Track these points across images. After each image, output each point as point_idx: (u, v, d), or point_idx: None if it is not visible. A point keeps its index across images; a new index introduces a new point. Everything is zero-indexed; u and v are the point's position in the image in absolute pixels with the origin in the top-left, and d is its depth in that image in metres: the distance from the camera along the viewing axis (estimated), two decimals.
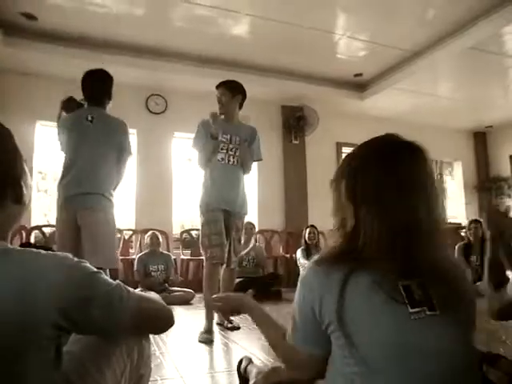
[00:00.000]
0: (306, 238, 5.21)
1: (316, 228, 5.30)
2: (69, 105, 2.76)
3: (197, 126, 2.97)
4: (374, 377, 0.75)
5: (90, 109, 2.66)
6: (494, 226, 1.31)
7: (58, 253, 0.79)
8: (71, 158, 2.53)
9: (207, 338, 2.58)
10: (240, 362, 1.61)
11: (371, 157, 0.89)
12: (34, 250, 0.76)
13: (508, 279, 1.36)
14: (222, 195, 2.83)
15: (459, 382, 0.77)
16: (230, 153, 2.90)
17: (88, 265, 0.80)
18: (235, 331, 2.85)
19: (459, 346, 0.78)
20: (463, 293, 0.83)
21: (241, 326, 2.93)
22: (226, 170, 2.88)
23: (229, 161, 2.89)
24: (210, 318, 2.74)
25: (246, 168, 2.98)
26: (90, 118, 2.64)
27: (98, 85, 2.87)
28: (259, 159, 3.12)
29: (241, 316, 2.86)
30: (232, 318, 2.99)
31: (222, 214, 2.84)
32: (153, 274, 4.50)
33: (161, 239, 4.92)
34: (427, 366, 0.74)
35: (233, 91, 2.96)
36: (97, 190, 2.44)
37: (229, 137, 2.92)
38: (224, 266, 2.94)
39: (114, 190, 2.60)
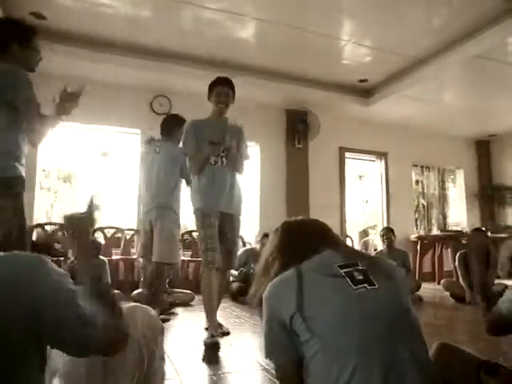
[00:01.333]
0: None
1: None
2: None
3: (185, 127, 2.92)
4: (331, 347, 0.92)
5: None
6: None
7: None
8: None
9: (212, 343, 2.46)
10: None
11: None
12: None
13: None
14: (216, 198, 2.76)
15: (399, 330, 0.95)
16: (222, 154, 2.81)
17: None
18: (227, 335, 2.82)
19: (397, 305, 1.00)
20: (392, 272, 1.09)
21: (231, 331, 2.89)
22: (218, 172, 2.79)
23: (222, 163, 2.81)
24: (215, 325, 2.65)
25: (238, 169, 2.89)
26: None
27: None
28: (247, 159, 3.00)
29: (241, 320, 2.86)
30: (221, 323, 2.95)
31: (218, 217, 2.77)
32: None
33: None
34: (375, 329, 0.93)
35: (234, 93, 2.94)
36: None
37: (220, 137, 2.83)
38: (220, 269, 2.85)
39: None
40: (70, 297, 0.80)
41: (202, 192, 2.77)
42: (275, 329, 1.02)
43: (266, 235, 5.09)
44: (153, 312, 1.25)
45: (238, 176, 2.89)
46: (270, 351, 1.06)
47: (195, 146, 2.79)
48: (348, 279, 0.99)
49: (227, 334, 2.82)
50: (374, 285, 0.99)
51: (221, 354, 2.34)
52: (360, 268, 1.03)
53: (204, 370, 2.01)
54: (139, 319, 1.09)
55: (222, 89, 2.86)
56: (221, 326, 2.89)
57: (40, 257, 0.80)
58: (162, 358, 1.15)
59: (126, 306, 1.13)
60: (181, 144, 2.95)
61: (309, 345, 0.94)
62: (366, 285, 0.99)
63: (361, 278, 1.00)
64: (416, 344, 0.95)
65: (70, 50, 4.63)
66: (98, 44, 4.73)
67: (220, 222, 2.79)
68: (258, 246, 5.15)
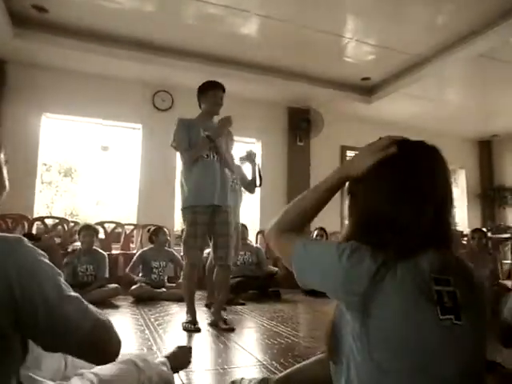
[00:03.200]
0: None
1: (325, 230, 5.25)
2: None
3: (176, 123, 3.02)
4: (383, 375, 0.77)
5: None
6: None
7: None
8: None
9: (192, 327, 2.79)
10: (234, 382, 1.61)
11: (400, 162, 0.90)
12: None
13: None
14: (211, 191, 2.87)
15: None
16: (214, 149, 2.96)
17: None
18: (232, 331, 2.83)
19: (473, 357, 0.79)
20: (482, 302, 0.83)
21: (235, 327, 2.91)
22: (211, 166, 2.92)
23: (213, 156, 2.94)
24: (193, 312, 2.93)
25: (230, 166, 3.05)
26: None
27: None
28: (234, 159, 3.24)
29: (240, 316, 2.85)
30: (226, 318, 3.00)
31: (209, 213, 2.88)
32: (154, 270, 4.46)
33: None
34: (442, 372, 0.75)
35: (224, 93, 3.08)
36: None
37: (211, 133, 2.98)
38: (218, 264, 2.98)
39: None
40: (49, 273, 0.74)
41: (193, 186, 2.87)
42: (327, 261, 0.85)
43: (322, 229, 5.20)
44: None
45: (228, 172, 3.04)
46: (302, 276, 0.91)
47: (188, 140, 2.91)
48: (437, 300, 0.77)
49: (232, 330, 2.83)
50: (461, 320, 0.77)
51: (218, 349, 2.34)
52: (451, 289, 0.79)
53: (201, 365, 2.01)
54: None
55: (218, 92, 3.01)
56: (225, 321, 2.94)
57: (17, 236, 0.74)
58: None
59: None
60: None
61: (356, 342, 0.81)
62: (452, 317, 0.77)
63: (450, 304, 0.78)
64: None
65: (72, 43, 4.61)
66: (100, 38, 4.71)
67: (211, 215, 2.89)
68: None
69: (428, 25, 4.41)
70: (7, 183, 0.85)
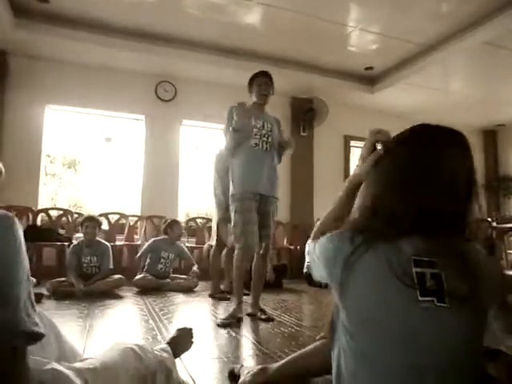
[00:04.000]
0: None
1: None
2: None
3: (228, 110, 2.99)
4: (371, 358, 0.77)
5: None
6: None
7: None
8: None
9: (231, 321, 2.68)
10: (232, 369, 1.61)
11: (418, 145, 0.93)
12: None
13: None
14: (257, 180, 2.86)
15: (454, 378, 0.76)
16: (264, 139, 2.94)
17: None
18: (271, 321, 2.84)
19: (461, 343, 0.76)
20: (481, 289, 0.78)
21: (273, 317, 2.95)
22: (260, 155, 2.91)
23: (262, 146, 2.92)
24: (240, 306, 2.84)
25: (279, 155, 3.06)
26: None
27: None
28: (291, 145, 3.13)
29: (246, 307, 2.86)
30: (265, 308, 3.07)
31: (257, 201, 2.86)
32: (162, 261, 4.45)
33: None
34: (423, 358, 0.74)
35: (273, 84, 3.07)
36: None
37: (261, 123, 2.96)
38: (257, 252, 2.97)
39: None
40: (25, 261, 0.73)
41: (241, 174, 2.87)
42: (322, 262, 0.90)
43: None
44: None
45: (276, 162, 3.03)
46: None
47: (240, 123, 2.87)
48: (417, 282, 0.76)
49: (272, 320, 2.86)
50: (444, 303, 0.75)
51: (223, 338, 2.35)
52: (435, 271, 0.77)
53: (205, 353, 2.03)
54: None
55: (263, 79, 3.00)
56: (263, 311, 2.99)
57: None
58: None
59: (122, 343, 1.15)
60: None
61: (344, 331, 0.83)
62: (434, 299, 0.76)
63: (432, 286, 0.76)
64: None
65: (74, 33, 4.60)
66: (102, 28, 4.69)
67: (260, 205, 2.89)
68: None
69: (432, 13, 4.35)
70: (3, 168, 0.85)
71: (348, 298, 0.80)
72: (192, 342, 1.66)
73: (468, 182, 0.88)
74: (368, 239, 0.81)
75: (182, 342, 1.55)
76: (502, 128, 7.79)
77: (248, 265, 3.05)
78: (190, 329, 1.68)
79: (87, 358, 1.05)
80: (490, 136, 7.98)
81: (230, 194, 2.93)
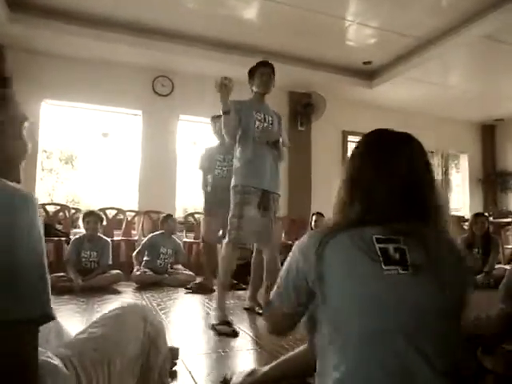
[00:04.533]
0: (313, 226, 5.17)
1: (323, 215, 5.23)
2: None
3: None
4: (344, 329, 0.84)
5: None
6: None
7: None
8: None
9: (228, 330, 2.38)
10: (225, 376, 1.60)
11: (370, 146, 1.04)
12: None
13: None
14: (260, 175, 2.77)
15: (423, 340, 0.81)
16: (266, 133, 2.86)
17: None
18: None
19: (426, 306, 0.83)
20: (441, 262, 0.87)
21: (231, 312, 2.94)
22: (262, 149, 2.81)
23: (264, 139, 2.83)
24: (222, 307, 2.62)
25: (280, 153, 2.92)
26: None
27: None
28: (286, 145, 3.07)
29: (242, 301, 2.85)
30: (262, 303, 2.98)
31: (259, 196, 2.77)
32: (161, 256, 4.45)
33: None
34: (391, 321, 0.81)
35: (274, 75, 2.96)
36: None
37: (263, 115, 2.88)
38: (265, 248, 2.93)
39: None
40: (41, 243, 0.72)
41: (243, 167, 2.76)
42: (291, 275, 0.96)
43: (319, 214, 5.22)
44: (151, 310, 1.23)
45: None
46: (276, 292, 1.02)
47: (237, 120, 2.78)
48: (380, 255, 0.85)
49: None
50: (408, 270, 0.84)
51: (215, 333, 2.35)
52: (400, 246, 0.87)
53: (202, 348, 2.03)
54: (141, 316, 1.06)
55: (265, 70, 2.89)
56: (261, 305, 2.92)
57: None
58: (165, 356, 1.10)
59: (125, 303, 1.12)
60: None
61: (321, 317, 0.91)
62: (398, 268, 0.84)
63: (396, 257, 0.85)
64: (436, 353, 0.81)
65: (70, 27, 4.56)
66: (99, 22, 4.66)
67: (263, 201, 2.81)
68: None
69: (431, 7, 4.33)
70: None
71: (328, 285, 0.87)
72: (175, 363, 1.68)
73: (423, 174, 0.96)
74: (333, 231, 0.91)
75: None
76: (500, 123, 7.79)
77: (236, 262, 2.87)
78: (177, 348, 1.73)
79: (85, 332, 1.01)
80: (489, 131, 7.98)
81: (232, 185, 2.81)
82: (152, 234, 4.62)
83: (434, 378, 0.79)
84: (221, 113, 2.72)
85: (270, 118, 2.92)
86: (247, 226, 2.68)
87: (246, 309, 2.99)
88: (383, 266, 0.84)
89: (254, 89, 2.93)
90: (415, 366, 0.79)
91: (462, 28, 4.56)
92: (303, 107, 6.18)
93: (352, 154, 1.04)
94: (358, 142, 1.06)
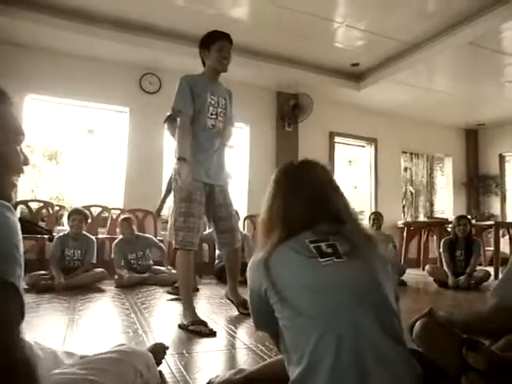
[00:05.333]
0: None
1: None
2: None
3: (179, 81, 2.55)
4: (299, 316, 0.98)
5: None
6: None
7: None
8: None
9: (204, 329, 2.27)
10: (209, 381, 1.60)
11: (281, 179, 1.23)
12: None
13: None
14: (208, 168, 2.51)
15: (367, 310, 0.96)
16: (220, 118, 2.56)
17: None
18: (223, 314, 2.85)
19: (363, 282, 1.02)
20: (367, 249, 1.10)
21: (216, 311, 2.92)
22: (213, 139, 2.53)
23: (217, 127, 2.55)
24: (191, 307, 2.49)
25: (229, 135, 2.67)
26: None
27: None
28: (233, 125, 2.78)
29: (226, 300, 2.83)
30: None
31: (206, 191, 2.52)
32: (132, 261, 4.35)
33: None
34: (339, 297, 0.98)
35: (232, 46, 2.60)
36: None
37: (217, 98, 2.56)
38: (225, 249, 2.75)
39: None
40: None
41: (189, 160, 2.40)
42: (256, 300, 1.12)
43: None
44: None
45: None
46: (256, 322, 1.20)
47: (192, 104, 2.47)
48: (316, 252, 1.04)
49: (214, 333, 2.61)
50: (342, 258, 1.03)
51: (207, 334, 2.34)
52: (330, 243, 1.06)
53: (188, 347, 2.02)
54: (138, 368, 1.08)
55: (225, 44, 2.54)
56: (244, 304, 2.75)
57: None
58: None
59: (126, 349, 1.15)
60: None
61: (283, 315, 1.03)
62: (333, 258, 1.03)
63: (329, 251, 1.04)
64: (383, 315, 0.98)
65: (55, 21, 4.50)
66: (85, 17, 4.60)
67: (211, 195, 2.57)
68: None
69: (418, 11, 4.39)
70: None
71: (281, 286, 1.03)
72: (163, 357, 1.68)
73: (329, 189, 1.18)
74: (272, 246, 1.09)
75: (156, 355, 1.54)
76: (482, 127, 7.93)
77: (193, 264, 2.62)
78: (167, 347, 1.74)
79: (81, 361, 1.03)
80: (472, 135, 8.12)
81: (173, 178, 2.48)
82: (116, 242, 4.43)
83: (384, 337, 0.94)
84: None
85: (223, 101, 2.61)
86: (193, 227, 2.42)
87: (228, 299, 2.90)
88: (319, 260, 1.02)
89: (210, 63, 2.57)
90: (369, 330, 0.94)
91: (447, 34, 4.66)
92: (291, 109, 6.19)
93: (269, 188, 1.23)
94: (273, 177, 1.25)
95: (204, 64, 2.64)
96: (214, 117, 2.54)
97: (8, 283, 0.64)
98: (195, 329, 2.28)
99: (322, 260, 1.02)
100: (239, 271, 2.84)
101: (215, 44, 2.54)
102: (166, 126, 3.96)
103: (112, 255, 4.44)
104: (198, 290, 3.87)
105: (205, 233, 4.08)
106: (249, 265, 1.14)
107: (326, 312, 0.96)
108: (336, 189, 1.20)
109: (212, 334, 2.25)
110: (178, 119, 2.48)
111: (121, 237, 4.48)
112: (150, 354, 1.36)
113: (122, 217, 4.56)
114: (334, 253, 1.03)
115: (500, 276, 1.27)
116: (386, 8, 4.34)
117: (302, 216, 1.12)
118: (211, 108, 2.53)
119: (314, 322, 0.96)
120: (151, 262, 4.54)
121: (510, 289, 1.18)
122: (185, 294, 2.52)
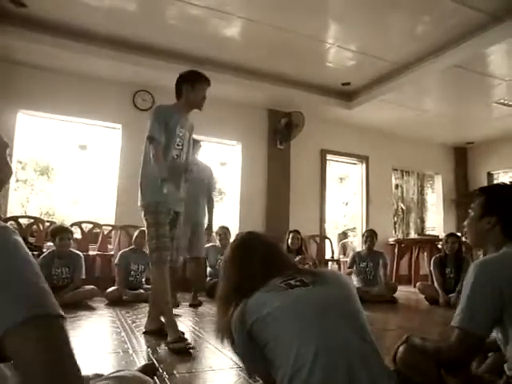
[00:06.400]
0: (289, 243, 5.13)
1: (299, 233, 5.24)
2: None
3: (155, 110, 2.72)
4: (281, 335, 1.14)
5: None
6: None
7: None
8: None
9: (182, 346, 2.33)
10: None
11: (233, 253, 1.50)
12: None
13: None
14: (174, 195, 2.66)
15: (339, 315, 1.16)
16: (185, 149, 2.78)
17: None
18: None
19: (331, 296, 1.22)
20: (330, 278, 1.33)
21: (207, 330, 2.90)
22: (178, 168, 2.71)
23: (181, 157, 2.75)
24: (174, 326, 2.52)
25: (188, 171, 2.83)
26: None
27: None
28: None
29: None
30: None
31: (171, 215, 2.73)
32: (132, 273, 4.36)
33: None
34: (311, 311, 1.15)
35: None
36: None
37: (184, 131, 2.75)
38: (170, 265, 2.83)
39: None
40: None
41: (157, 186, 2.57)
42: (242, 344, 1.27)
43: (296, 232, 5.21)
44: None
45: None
46: (248, 368, 1.41)
47: (163, 133, 2.63)
48: (286, 287, 1.24)
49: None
50: (309, 286, 1.23)
51: (194, 352, 2.32)
52: (298, 278, 1.27)
53: (179, 367, 2.00)
54: None
55: (207, 87, 2.77)
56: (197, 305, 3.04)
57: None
58: None
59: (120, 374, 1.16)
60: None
61: (267, 339, 1.16)
62: (301, 287, 1.23)
63: (298, 283, 1.25)
64: (354, 321, 1.16)
65: (50, 39, 4.53)
66: (80, 35, 4.64)
67: (172, 220, 2.76)
68: (217, 242, 5.12)
69: (407, 34, 4.52)
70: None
71: (262, 317, 1.18)
72: (153, 378, 1.67)
73: (277, 252, 1.48)
74: (245, 296, 1.27)
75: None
76: (471, 146, 8.07)
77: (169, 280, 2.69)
78: (155, 367, 1.78)
79: None
80: (461, 153, 8.25)
81: (142, 203, 2.70)
82: (122, 251, 4.50)
83: (361, 340, 1.11)
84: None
85: (188, 135, 2.81)
86: (165, 247, 2.61)
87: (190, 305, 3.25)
88: (290, 290, 1.22)
89: (190, 99, 2.73)
90: (348, 336, 1.10)
91: (435, 56, 4.79)
92: (284, 127, 6.24)
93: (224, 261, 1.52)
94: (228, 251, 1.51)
95: (178, 96, 2.77)
96: (180, 147, 2.72)
97: (57, 315, 0.64)
98: (174, 347, 2.33)
99: (292, 290, 1.22)
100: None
101: (201, 84, 2.74)
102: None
103: (115, 262, 4.40)
104: (178, 305, 3.84)
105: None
106: (233, 316, 1.28)
107: (303, 326, 1.11)
108: (280, 249, 1.54)
109: (188, 353, 2.28)
110: (152, 146, 2.62)
111: (131, 247, 4.50)
112: (151, 381, 1.34)
113: (141, 229, 4.54)
114: (301, 284, 1.24)
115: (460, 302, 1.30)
116: (375, 30, 4.46)
117: (261, 274, 1.34)
118: (178, 139, 2.71)
119: (293, 336, 1.10)
120: (144, 278, 4.49)
121: (473, 316, 1.20)
122: (165, 309, 2.60)
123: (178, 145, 2.71)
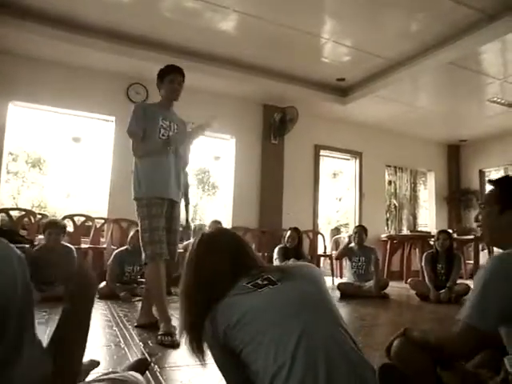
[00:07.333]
0: (286, 241, 5.00)
1: (298, 231, 5.06)
2: None
3: (134, 107, 2.86)
4: (256, 335, 1.10)
5: None
6: None
7: None
8: None
9: (169, 340, 2.33)
10: None
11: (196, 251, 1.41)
12: None
13: None
14: (166, 185, 2.70)
15: (314, 309, 1.15)
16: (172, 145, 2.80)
17: None
18: None
19: (304, 292, 1.20)
20: (297, 273, 1.29)
21: None
22: (166, 158, 2.74)
23: (171, 150, 2.78)
24: (167, 320, 2.53)
25: (186, 160, 2.93)
26: None
27: None
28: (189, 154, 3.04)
29: None
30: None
31: (164, 206, 2.71)
32: (127, 274, 4.26)
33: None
34: (283, 310, 1.13)
35: (184, 82, 2.93)
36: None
37: (168, 123, 2.81)
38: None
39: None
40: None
41: (147, 177, 2.69)
42: (219, 357, 1.28)
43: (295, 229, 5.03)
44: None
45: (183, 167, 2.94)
46: (228, 380, 1.33)
47: (143, 129, 2.73)
48: (254, 288, 1.20)
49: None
50: (277, 284, 1.20)
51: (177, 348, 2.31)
52: (264, 276, 1.24)
53: (171, 361, 2.00)
54: None
55: (176, 77, 2.84)
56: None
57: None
58: None
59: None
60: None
61: (244, 342, 1.12)
62: (268, 286, 1.20)
63: (265, 282, 1.21)
64: (321, 318, 1.14)
65: (43, 29, 4.47)
66: (74, 26, 4.58)
67: (167, 210, 2.74)
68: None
69: (402, 31, 4.52)
70: None
71: (234, 321, 1.14)
72: (145, 372, 1.67)
73: (243, 246, 1.41)
74: (214, 303, 1.22)
75: (138, 370, 1.53)
76: (464, 143, 8.12)
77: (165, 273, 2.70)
78: (150, 362, 1.77)
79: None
80: (454, 150, 8.30)
81: (135, 196, 2.73)
82: (117, 251, 4.37)
83: (338, 332, 1.09)
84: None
85: (176, 126, 2.85)
86: (159, 240, 2.60)
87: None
88: (258, 290, 1.19)
89: (163, 93, 2.88)
90: (323, 330, 1.08)
91: (429, 53, 4.81)
92: (279, 122, 6.23)
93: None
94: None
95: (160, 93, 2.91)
96: (166, 138, 2.76)
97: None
98: (160, 339, 2.36)
99: (260, 290, 1.19)
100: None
101: (168, 75, 2.84)
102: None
103: (108, 262, 4.31)
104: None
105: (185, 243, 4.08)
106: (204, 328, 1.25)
107: (277, 325, 1.09)
108: (247, 246, 1.44)
109: (175, 345, 2.29)
110: (132, 139, 2.79)
111: (124, 247, 4.37)
112: (143, 381, 1.34)
113: (136, 229, 4.47)
114: (269, 282, 1.21)
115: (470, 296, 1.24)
116: (371, 26, 4.45)
117: (228, 272, 1.30)
118: (162, 130, 2.77)
119: (268, 337, 1.07)
120: (139, 276, 4.42)
121: (483, 312, 1.14)
122: (159, 305, 2.61)
123: (162, 135, 2.76)
